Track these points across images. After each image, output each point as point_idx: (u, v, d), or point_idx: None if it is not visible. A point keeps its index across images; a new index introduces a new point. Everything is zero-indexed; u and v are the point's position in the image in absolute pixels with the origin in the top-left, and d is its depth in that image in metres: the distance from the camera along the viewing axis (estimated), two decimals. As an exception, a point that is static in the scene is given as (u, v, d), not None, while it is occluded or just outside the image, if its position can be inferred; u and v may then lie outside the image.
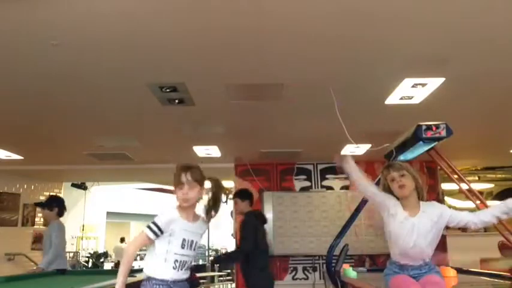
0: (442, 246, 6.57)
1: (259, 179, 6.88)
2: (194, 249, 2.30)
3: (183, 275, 2.28)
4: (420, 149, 3.08)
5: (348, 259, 4.80)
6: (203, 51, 2.90)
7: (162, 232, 2.20)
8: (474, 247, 6.53)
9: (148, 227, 2.21)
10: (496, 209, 2.35)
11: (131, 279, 3.54)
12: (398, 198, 2.46)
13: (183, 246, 2.24)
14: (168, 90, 3.57)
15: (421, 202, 2.44)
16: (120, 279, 2.16)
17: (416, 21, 2.54)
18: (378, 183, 2.63)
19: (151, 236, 2.19)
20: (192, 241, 2.28)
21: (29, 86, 3.50)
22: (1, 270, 6.39)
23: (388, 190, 2.50)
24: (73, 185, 9.67)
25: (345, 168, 2.63)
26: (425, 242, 2.37)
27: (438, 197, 6.86)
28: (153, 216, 2.30)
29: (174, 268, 2.22)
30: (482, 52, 2.97)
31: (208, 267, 11.20)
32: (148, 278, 2.24)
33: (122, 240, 13.33)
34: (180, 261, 2.24)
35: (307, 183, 6.94)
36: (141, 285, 2.28)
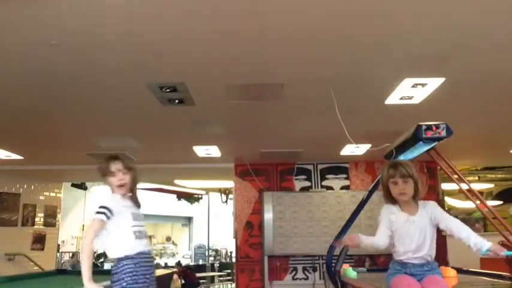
0: (442, 246, 6.57)
1: (259, 179, 6.88)
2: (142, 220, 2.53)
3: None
4: (420, 149, 3.07)
5: (348, 259, 4.79)
6: (203, 52, 2.90)
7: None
8: (474, 247, 6.52)
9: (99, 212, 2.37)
10: (474, 237, 2.28)
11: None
12: (394, 201, 2.48)
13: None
14: (168, 90, 3.57)
15: (418, 202, 2.47)
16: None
17: (416, 21, 2.54)
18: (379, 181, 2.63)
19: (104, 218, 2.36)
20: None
21: (28, 86, 3.50)
22: (1, 270, 6.40)
23: (386, 188, 2.50)
24: (73, 185, 9.67)
25: (360, 246, 2.53)
26: (427, 239, 2.39)
27: (438, 197, 6.86)
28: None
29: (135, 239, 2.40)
30: (483, 52, 2.97)
31: (208, 267, 11.20)
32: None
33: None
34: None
35: (307, 183, 6.94)
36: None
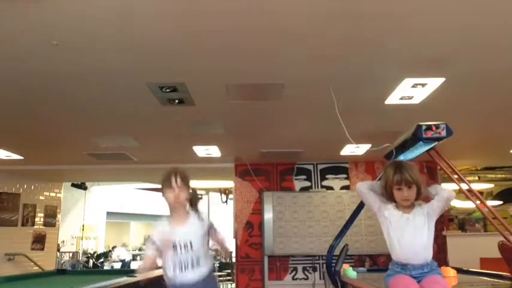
0: (442, 246, 6.57)
1: (259, 179, 6.88)
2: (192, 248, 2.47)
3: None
4: (420, 149, 3.07)
5: (348, 259, 4.79)
6: (203, 52, 2.90)
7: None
8: (474, 247, 6.53)
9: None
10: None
11: (131, 280, 3.54)
12: (392, 200, 2.47)
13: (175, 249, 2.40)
14: (168, 90, 3.57)
15: (415, 202, 2.46)
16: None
17: (416, 21, 2.54)
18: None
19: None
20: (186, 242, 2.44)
21: (29, 86, 3.50)
22: (1, 270, 6.40)
23: (387, 189, 2.48)
24: (73, 185, 9.67)
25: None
26: (422, 237, 2.38)
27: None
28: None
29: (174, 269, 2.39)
30: (482, 52, 2.97)
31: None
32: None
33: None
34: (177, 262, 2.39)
35: (307, 183, 6.94)
36: None
